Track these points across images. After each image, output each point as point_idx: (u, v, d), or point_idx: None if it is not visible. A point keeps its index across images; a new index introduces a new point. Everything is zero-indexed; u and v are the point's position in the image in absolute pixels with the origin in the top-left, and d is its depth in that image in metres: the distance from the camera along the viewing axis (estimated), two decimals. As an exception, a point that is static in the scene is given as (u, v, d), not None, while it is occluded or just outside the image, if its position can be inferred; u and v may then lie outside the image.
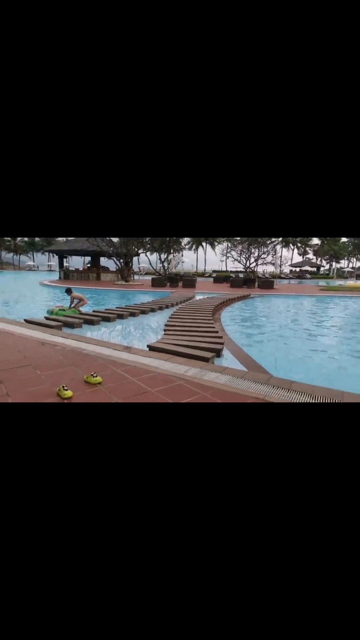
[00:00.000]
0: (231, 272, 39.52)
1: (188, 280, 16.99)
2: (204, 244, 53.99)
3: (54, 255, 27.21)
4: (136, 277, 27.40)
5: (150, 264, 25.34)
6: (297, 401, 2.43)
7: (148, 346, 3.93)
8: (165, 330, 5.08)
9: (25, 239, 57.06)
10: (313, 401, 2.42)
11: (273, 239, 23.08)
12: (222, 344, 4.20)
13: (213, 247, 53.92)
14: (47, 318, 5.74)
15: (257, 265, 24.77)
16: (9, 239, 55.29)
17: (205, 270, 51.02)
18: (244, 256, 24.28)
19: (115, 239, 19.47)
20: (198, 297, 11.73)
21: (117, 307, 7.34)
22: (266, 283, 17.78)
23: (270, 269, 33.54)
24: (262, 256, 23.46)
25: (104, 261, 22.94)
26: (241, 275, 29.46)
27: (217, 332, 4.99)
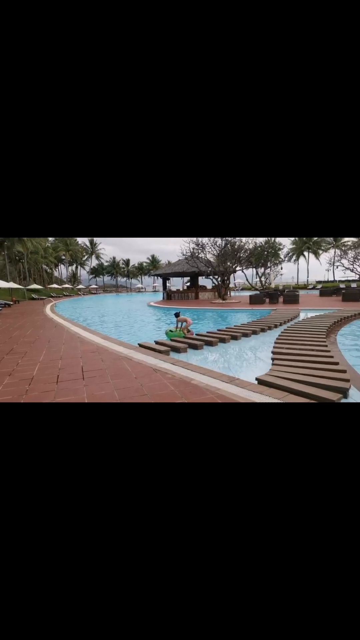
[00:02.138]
0: (341, 281, 34.61)
1: (290, 295, 15.73)
2: (305, 253, 49.52)
3: (158, 277, 30.08)
4: (232, 293, 27.40)
5: (246, 278, 24.95)
6: None
7: (257, 379, 3.71)
8: (273, 359, 4.73)
9: (136, 264, 65.85)
10: None
11: None
12: (348, 380, 3.57)
13: (317, 255, 48.79)
14: (156, 342, 6.27)
15: (376, 273, 20.87)
16: (123, 266, 65.15)
17: (307, 281, 46.49)
18: (358, 264, 20.90)
19: (212, 259, 20.12)
20: (303, 316, 10.64)
21: (218, 330, 7.39)
22: (393, 294, 14.63)
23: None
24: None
25: (201, 280, 23.96)
26: (354, 285, 25.34)
27: (337, 363, 4.30)
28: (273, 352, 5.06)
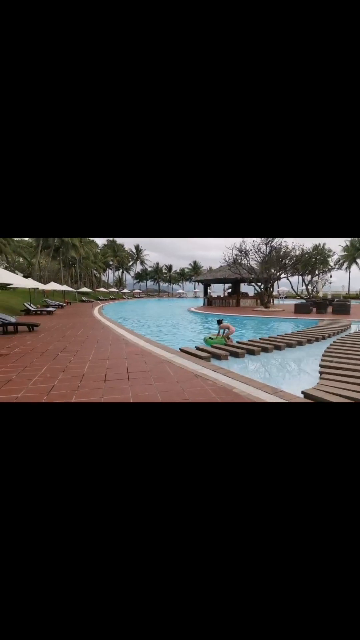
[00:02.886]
0: None
1: (340, 306, 14.67)
2: (359, 260, 45.74)
3: (199, 283, 30.22)
4: (276, 301, 26.36)
5: (291, 286, 23.83)
6: None
7: (303, 393, 3.56)
8: (321, 372, 4.49)
9: (177, 270, 67.04)
10: None
11: None
12: None
13: (373, 263, 44.72)
14: (197, 348, 6.33)
15: None
16: (166, 272, 66.82)
17: (361, 291, 42.80)
18: None
19: (255, 265, 19.66)
20: (355, 328, 9.85)
21: (260, 339, 7.21)
22: None
23: None
24: None
25: (243, 287, 23.52)
26: None
27: (394, 381, 3.93)
28: (321, 366, 4.80)
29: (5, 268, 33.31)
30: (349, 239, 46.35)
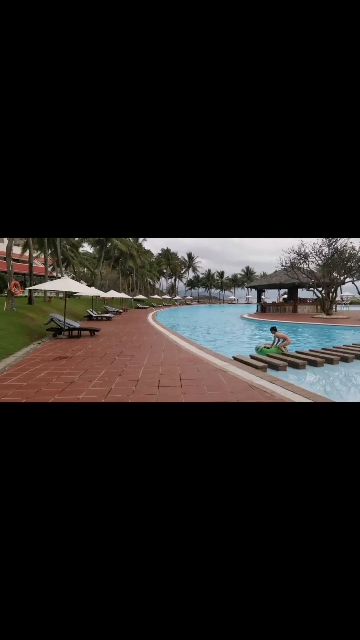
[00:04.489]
0: None
1: None
2: None
3: (252, 289, 29.31)
4: (339, 307, 23.99)
5: (357, 291, 21.45)
6: None
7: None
8: None
9: (229, 276, 66.17)
10: None
11: None
12: None
13: None
14: (252, 357, 6.05)
15: None
16: (217, 278, 66.52)
17: None
18: None
19: (315, 269, 18.22)
20: None
21: (323, 349, 6.57)
22: None
23: None
24: None
25: (301, 292, 21.98)
26: None
27: None
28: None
29: (73, 278, 37.11)
30: None
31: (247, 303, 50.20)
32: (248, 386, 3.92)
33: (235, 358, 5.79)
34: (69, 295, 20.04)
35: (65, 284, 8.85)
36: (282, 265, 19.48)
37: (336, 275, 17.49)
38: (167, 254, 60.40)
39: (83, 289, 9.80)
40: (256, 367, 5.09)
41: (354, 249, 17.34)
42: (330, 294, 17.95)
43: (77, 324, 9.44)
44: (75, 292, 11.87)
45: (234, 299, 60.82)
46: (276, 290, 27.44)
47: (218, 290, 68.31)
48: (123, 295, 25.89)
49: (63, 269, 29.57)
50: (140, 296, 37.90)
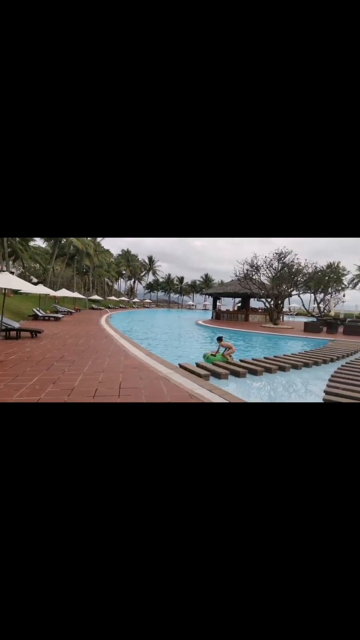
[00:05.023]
0: None
1: (352, 326, 14.18)
2: (375, 280, 44.68)
3: (209, 296, 30.14)
4: (286, 318, 25.83)
5: (302, 303, 23.39)
6: None
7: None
8: (325, 400, 4.19)
9: (189, 282, 67.34)
10: None
11: None
12: None
13: (389, 283, 43.62)
14: (198, 365, 6.12)
15: None
16: (177, 283, 67.22)
17: (376, 311, 41.61)
18: None
19: (266, 281, 19.40)
20: (368, 351, 9.41)
21: (265, 358, 6.93)
22: None
23: None
24: None
25: (253, 302, 23.21)
26: None
27: None
28: (326, 392, 4.50)
29: (22, 273, 34.25)
30: (364, 258, 45.52)
31: (205, 309, 51.51)
32: (188, 395, 3.91)
33: (181, 366, 5.80)
34: (15, 292, 18.41)
35: (6, 279, 8.08)
36: (236, 276, 20.37)
37: (285, 287, 18.80)
38: (127, 255, 59.36)
39: (27, 287, 9.04)
40: (199, 375, 5.15)
41: (300, 265, 18.86)
42: (279, 305, 19.22)
43: (16, 324, 8.66)
44: (19, 290, 10.92)
45: (193, 305, 62.01)
46: (232, 299, 28.60)
47: (177, 295, 69.02)
48: (76, 294, 24.64)
49: (11, 262, 27.18)
50: (96, 297, 36.53)
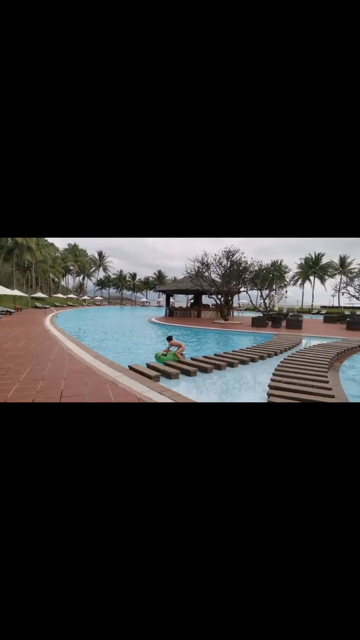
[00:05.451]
0: (346, 308, 34.26)
1: (293, 320, 15.42)
2: (311, 277, 49.49)
3: (163, 293, 30.14)
4: (236, 313, 27.10)
5: (250, 300, 24.79)
6: None
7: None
8: (269, 394, 4.39)
9: (142, 278, 66.45)
10: None
11: None
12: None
13: (323, 281, 48.71)
14: (148, 365, 5.97)
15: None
16: (129, 279, 65.79)
17: (312, 306, 46.20)
18: (364, 292, 20.62)
19: (217, 278, 20.02)
20: (305, 342, 10.29)
21: (215, 355, 7.08)
22: None
23: None
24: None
25: (205, 298, 23.80)
26: (359, 312, 24.91)
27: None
28: (270, 387, 4.73)
29: None
30: (303, 257, 50.02)
31: (159, 306, 51.42)
32: (136, 400, 3.74)
33: (130, 367, 5.59)
34: None
35: None
36: (188, 273, 20.62)
37: (234, 284, 19.62)
38: (74, 250, 56.05)
39: None
40: (150, 376, 5.01)
41: (247, 263, 19.85)
42: (228, 302, 20.01)
43: None
44: None
45: (146, 302, 61.45)
46: (185, 296, 28.95)
47: (130, 292, 67.64)
48: (16, 292, 22.45)
49: None
50: (40, 294, 33.85)
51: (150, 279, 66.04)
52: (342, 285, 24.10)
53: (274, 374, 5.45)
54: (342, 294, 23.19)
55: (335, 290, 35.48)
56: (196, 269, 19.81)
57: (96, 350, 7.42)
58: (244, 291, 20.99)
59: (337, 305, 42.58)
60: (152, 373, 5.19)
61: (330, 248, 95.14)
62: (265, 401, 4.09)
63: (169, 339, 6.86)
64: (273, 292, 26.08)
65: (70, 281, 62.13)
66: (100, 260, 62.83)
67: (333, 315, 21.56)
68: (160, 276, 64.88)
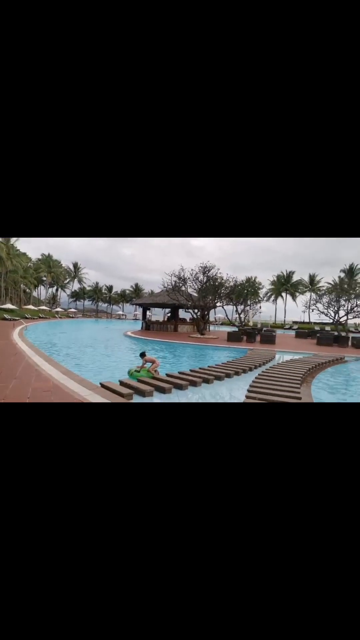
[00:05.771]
0: (315, 323, 35.94)
1: (267, 336, 15.83)
2: (283, 294, 51.71)
3: (139, 306, 29.89)
4: (212, 327, 27.38)
5: (225, 314, 25.21)
6: None
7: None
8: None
9: (118, 291, 65.71)
10: None
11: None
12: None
13: (294, 297, 51.06)
14: (121, 382, 5.73)
15: (347, 319, 21.73)
16: (105, 292, 64.77)
17: (284, 321, 48.02)
18: (332, 309, 21.77)
19: (195, 293, 20.21)
20: (278, 357, 10.53)
21: (191, 370, 6.99)
22: (364, 341, 15.06)
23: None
24: (356, 309, 20.54)
25: (182, 312, 23.86)
26: (328, 328, 26.19)
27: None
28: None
29: None
30: (275, 274, 52.28)
31: (135, 319, 50.83)
32: (106, 421, 3.51)
33: (102, 385, 5.32)
34: None
35: None
36: (165, 287, 20.66)
37: (210, 299, 19.88)
38: (47, 261, 54.43)
39: None
40: (122, 394, 4.78)
41: (222, 279, 20.29)
42: (205, 316, 20.20)
43: None
44: None
45: (123, 315, 60.54)
46: (162, 309, 28.87)
47: (106, 304, 66.43)
48: (-17, 303, 21.15)
49: None
50: (9, 305, 32.22)
51: (127, 291, 65.50)
52: (311, 302, 25.37)
53: (248, 390, 5.44)
54: (312, 310, 24.34)
55: (306, 306, 37.26)
56: (173, 283, 19.91)
57: (67, 366, 7.05)
58: (219, 306, 21.34)
59: (307, 320, 44.60)
60: (125, 391, 4.97)
61: (300, 266, 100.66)
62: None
63: (142, 354, 6.68)
64: (248, 307, 26.81)
65: (42, 292, 59.95)
66: (75, 271, 61.46)
67: (304, 331, 22.47)
68: (137, 289, 64.58)
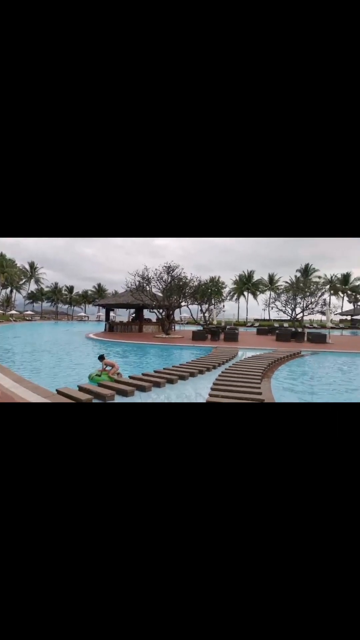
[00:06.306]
0: (275, 320, 37.92)
1: (230, 333, 16.26)
2: (245, 293, 53.75)
3: (102, 307, 28.97)
4: (177, 327, 27.46)
5: (190, 314, 25.41)
6: None
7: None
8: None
9: (80, 292, 63.10)
10: None
11: (322, 289, 21.65)
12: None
13: (255, 296, 53.34)
14: (80, 388, 5.41)
15: (303, 316, 23.22)
16: (65, 293, 61.77)
17: (247, 319, 49.94)
18: (289, 306, 23.09)
19: (159, 293, 20.05)
20: (241, 354, 10.84)
21: (155, 372, 6.85)
22: (318, 337, 16.18)
23: (318, 316, 31.53)
24: (310, 306, 22.01)
25: (147, 313, 23.55)
26: (286, 324, 27.75)
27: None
28: (207, 401, 4.68)
29: None
30: (238, 273, 54.11)
31: (98, 321, 49.14)
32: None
33: (59, 392, 4.97)
34: None
35: None
36: (128, 287, 20.22)
37: (175, 298, 19.86)
38: (0, 260, 50.34)
39: None
40: (81, 401, 4.50)
41: (187, 278, 20.41)
42: (170, 316, 20.14)
43: None
44: None
45: (85, 316, 58.24)
46: (127, 310, 28.21)
47: (66, 306, 63.33)
48: None
49: None
50: None
51: (90, 292, 63.13)
52: (271, 300, 26.64)
53: (211, 389, 5.47)
54: (272, 308, 25.57)
55: (266, 304, 39.11)
56: (137, 283, 19.56)
57: (21, 372, 6.51)
58: (184, 305, 21.46)
59: (268, 318, 46.84)
60: (84, 397, 4.68)
61: (259, 266, 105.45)
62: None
63: (101, 358, 6.39)
64: (212, 307, 27.36)
65: (-5, 294, 55.26)
66: (31, 271, 57.67)
67: (264, 328, 23.55)
68: (100, 289, 62.51)
